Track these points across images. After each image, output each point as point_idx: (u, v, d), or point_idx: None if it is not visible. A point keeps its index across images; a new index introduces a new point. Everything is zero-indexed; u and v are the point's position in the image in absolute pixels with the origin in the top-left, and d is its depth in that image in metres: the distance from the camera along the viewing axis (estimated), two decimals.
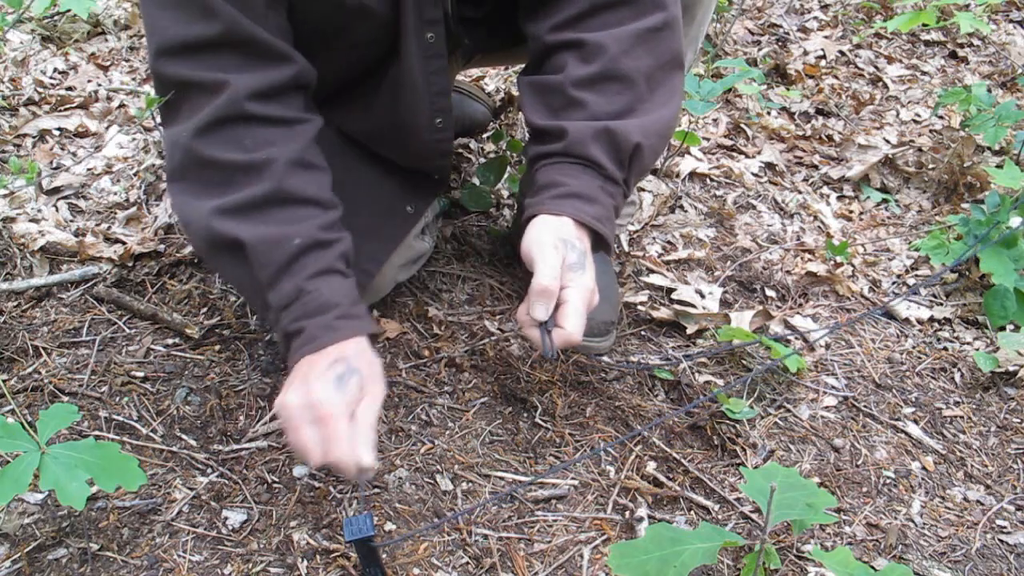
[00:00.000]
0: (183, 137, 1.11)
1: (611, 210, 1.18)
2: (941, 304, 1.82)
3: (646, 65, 1.18)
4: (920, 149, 2.27)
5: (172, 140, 1.14)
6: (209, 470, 1.28)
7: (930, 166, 2.22)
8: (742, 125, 2.35)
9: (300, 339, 1.08)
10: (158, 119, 2.02)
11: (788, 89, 2.54)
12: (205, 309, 1.56)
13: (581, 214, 1.14)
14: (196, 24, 1.07)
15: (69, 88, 2.17)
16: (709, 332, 1.62)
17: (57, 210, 1.75)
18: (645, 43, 1.17)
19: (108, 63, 2.30)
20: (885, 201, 2.15)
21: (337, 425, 0.99)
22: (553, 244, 1.10)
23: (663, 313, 1.64)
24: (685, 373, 1.52)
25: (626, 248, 1.84)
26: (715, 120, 2.36)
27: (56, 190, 1.80)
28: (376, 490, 1.27)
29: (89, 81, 2.20)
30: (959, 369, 1.65)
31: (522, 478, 1.31)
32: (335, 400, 1.00)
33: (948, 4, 2.35)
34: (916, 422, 1.51)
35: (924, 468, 1.43)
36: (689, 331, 1.61)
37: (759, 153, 2.26)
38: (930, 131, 2.37)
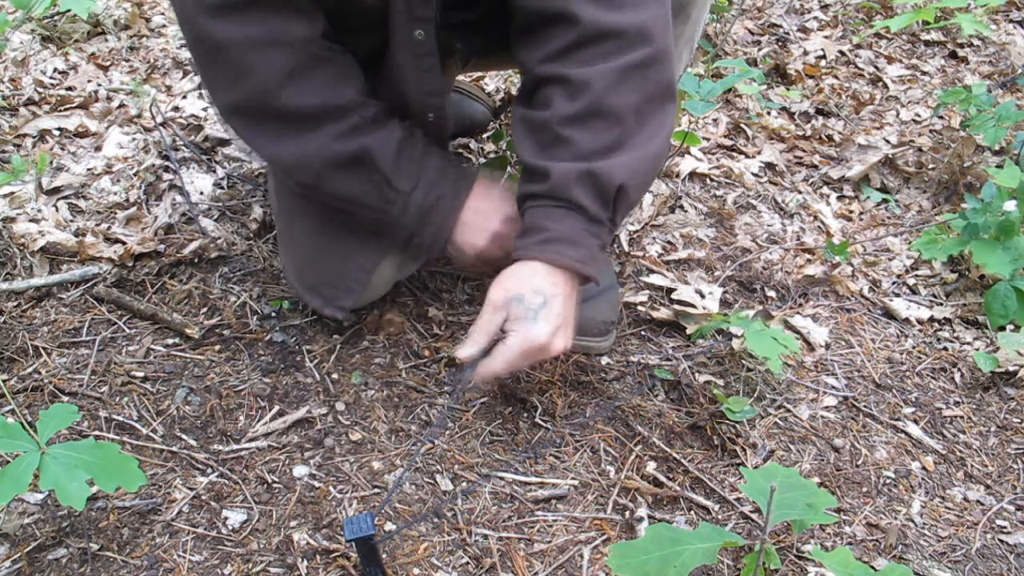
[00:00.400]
0: (257, 98, 1.19)
1: (595, 250, 1.21)
2: (941, 304, 1.82)
3: (633, 101, 1.18)
4: (920, 149, 2.27)
5: (239, 103, 1.23)
6: (209, 470, 1.28)
7: (930, 166, 2.22)
8: (742, 125, 2.35)
9: (443, 204, 1.30)
10: (159, 119, 2.03)
11: (788, 89, 2.54)
12: (205, 309, 1.56)
13: (563, 258, 1.18)
14: None
15: (69, 88, 2.17)
16: (709, 332, 1.62)
17: (57, 210, 1.75)
18: (631, 79, 1.18)
19: (108, 63, 2.30)
20: (885, 201, 2.15)
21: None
22: (494, 304, 1.19)
23: (663, 313, 1.64)
24: (685, 373, 1.52)
25: (626, 248, 1.84)
26: (715, 120, 2.36)
27: (56, 190, 1.80)
28: (376, 490, 1.27)
29: (89, 81, 2.20)
30: (959, 369, 1.65)
31: (522, 478, 1.32)
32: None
33: (949, 6, 2.34)
34: (916, 422, 1.51)
35: (924, 468, 1.43)
36: (689, 331, 1.61)
37: (759, 153, 2.26)
38: (930, 131, 2.37)
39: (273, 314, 1.55)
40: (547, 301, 1.17)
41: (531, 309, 1.17)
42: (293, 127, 1.23)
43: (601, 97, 1.16)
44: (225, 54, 1.16)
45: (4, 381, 1.36)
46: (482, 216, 1.33)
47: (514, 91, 2.27)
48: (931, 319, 1.76)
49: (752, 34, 2.83)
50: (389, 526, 1.22)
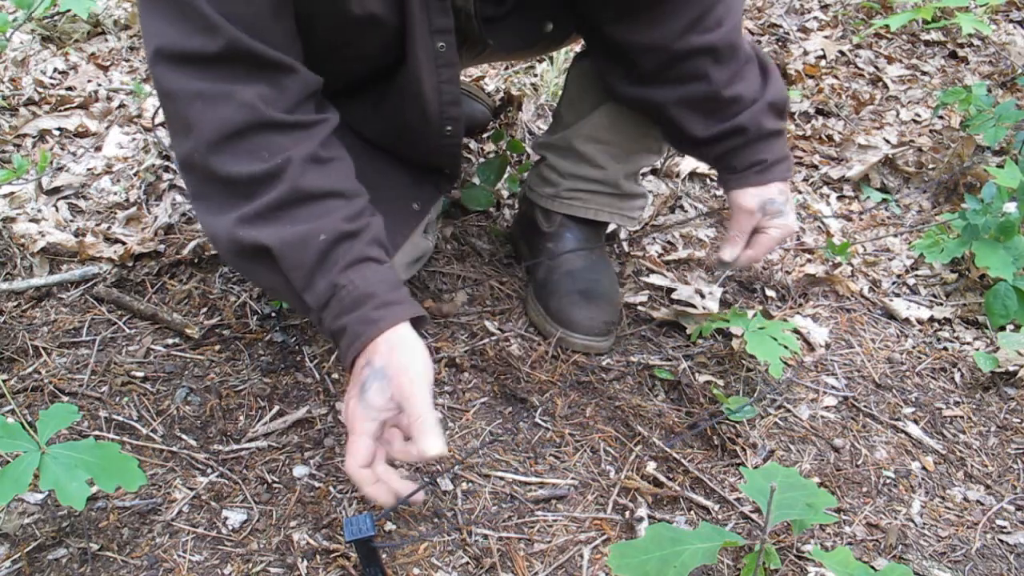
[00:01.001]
0: (197, 156, 1.07)
1: (789, 154, 1.46)
2: (941, 304, 1.82)
3: (744, 36, 1.39)
4: (920, 149, 2.27)
5: (186, 159, 1.10)
6: (209, 470, 1.28)
7: (930, 166, 2.22)
8: None
9: (345, 338, 1.07)
10: (158, 120, 2.03)
11: (788, 89, 2.54)
12: (205, 309, 1.56)
13: (782, 174, 1.43)
14: (196, 37, 1.02)
15: (69, 88, 2.17)
16: (709, 332, 1.62)
17: (57, 210, 1.75)
18: (740, 18, 1.38)
19: (108, 63, 2.30)
20: (885, 201, 2.15)
21: (354, 442, 1.04)
22: (750, 209, 1.42)
23: (663, 313, 1.63)
24: (685, 373, 1.52)
25: (626, 248, 1.84)
26: None
27: (56, 190, 1.80)
28: None
29: (89, 81, 2.20)
30: (959, 369, 1.65)
31: (522, 478, 1.32)
32: (356, 415, 1.04)
33: (949, 6, 2.34)
34: (916, 422, 1.51)
35: (924, 468, 1.43)
36: (689, 331, 1.61)
37: None
38: (930, 131, 2.37)
39: (273, 314, 1.55)
40: (788, 197, 1.44)
41: (780, 203, 1.42)
42: (219, 195, 1.09)
43: (745, 52, 1.37)
44: (174, 104, 1.06)
45: (4, 381, 1.36)
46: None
47: (514, 91, 2.27)
48: (931, 319, 1.76)
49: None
50: (389, 526, 1.22)
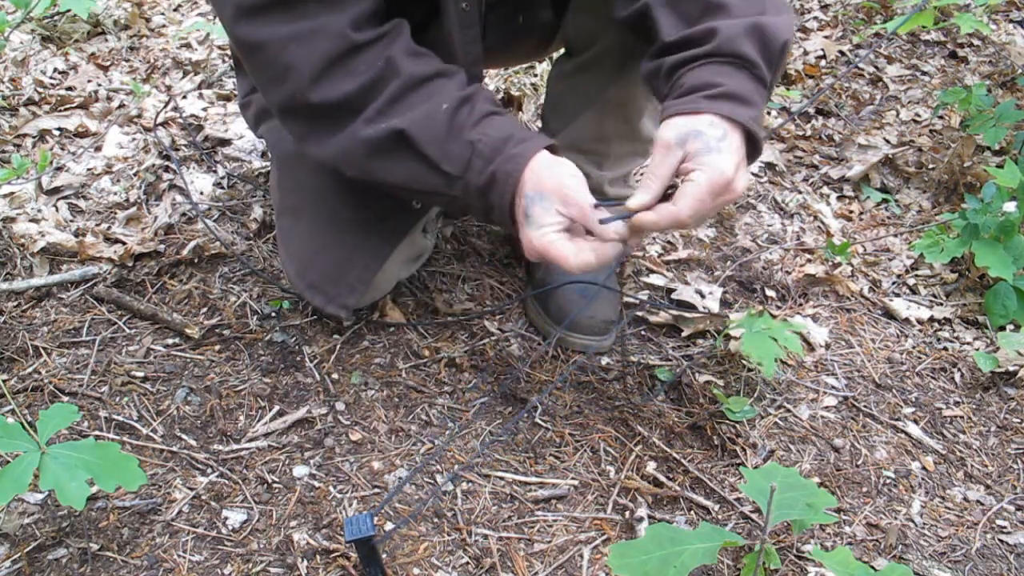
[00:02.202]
0: (299, 95, 1.13)
1: (762, 113, 1.13)
2: (941, 304, 1.82)
3: None
4: (920, 149, 2.27)
5: (286, 104, 1.17)
6: (209, 470, 1.28)
7: (930, 166, 2.22)
8: None
9: (497, 185, 1.12)
10: (160, 117, 2.03)
11: (788, 89, 2.54)
12: (205, 309, 1.56)
13: (737, 115, 1.06)
14: None
15: (69, 88, 2.17)
16: (709, 332, 1.62)
17: (57, 210, 1.75)
18: None
19: (108, 63, 2.30)
20: (885, 201, 2.15)
21: (558, 250, 1.09)
22: (667, 142, 1.06)
23: (661, 318, 1.63)
24: (685, 373, 1.52)
25: None
26: None
27: (56, 190, 1.80)
28: (376, 490, 1.27)
29: (89, 81, 2.20)
30: (959, 369, 1.65)
31: (522, 478, 1.32)
32: (535, 239, 1.10)
33: (948, 5, 2.34)
34: (916, 422, 1.51)
35: (924, 468, 1.43)
36: (685, 334, 1.61)
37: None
38: (930, 131, 2.37)
39: (273, 314, 1.55)
40: (726, 134, 1.05)
41: (712, 139, 1.04)
42: (331, 121, 1.17)
43: None
44: (265, 53, 1.14)
45: (4, 381, 1.36)
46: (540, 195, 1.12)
47: (514, 91, 2.27)
48: (931, 319, 1.76)
49: None
50: (389, 526, 1.22)
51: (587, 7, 1.43)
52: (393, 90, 1.13)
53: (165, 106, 2.08)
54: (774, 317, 1.66)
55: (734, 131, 1.06)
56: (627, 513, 1.27)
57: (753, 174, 2.16)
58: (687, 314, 1.62)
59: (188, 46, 2.43)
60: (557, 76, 1.60)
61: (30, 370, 1.40)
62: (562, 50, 1.64)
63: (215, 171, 1.91)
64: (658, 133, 1.08)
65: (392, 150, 1.15)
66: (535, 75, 2.38)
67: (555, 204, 1.09)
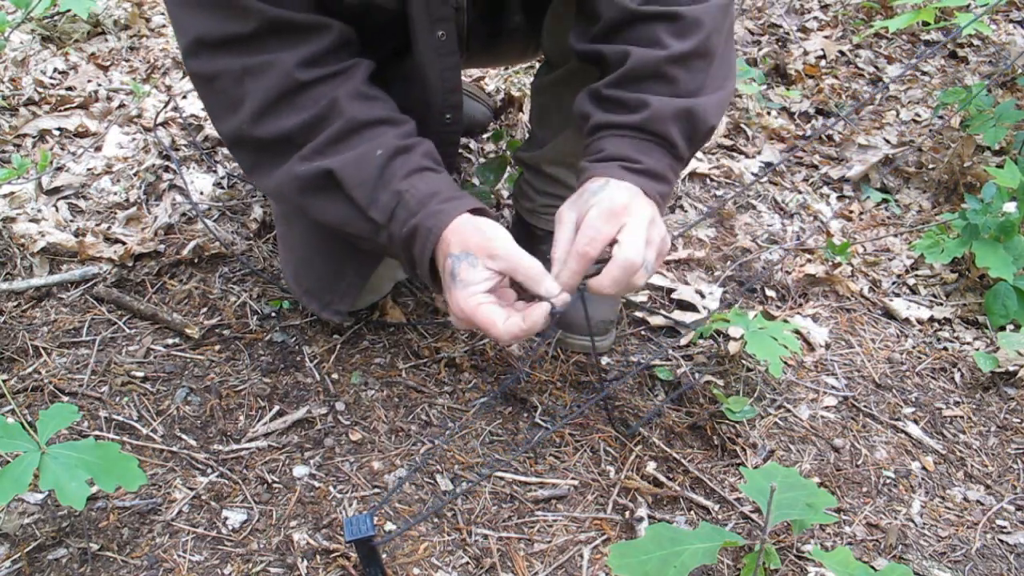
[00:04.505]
0: (246, 127, 1.13)
1: (673, 187, 1.18)
2: (941, 304, 1.82)
3: (723, 39, 1.18)
4: (920, 149, 2.27)
5: (235, 136, 1.17)
6: (209, 470, 1.28)
7: (930, 166, 2.22)
8: (742, 125, 2.35)
9: (418, 239, 1.10)
10: (160, 117, 2.03)
11: (788, 89, 2.54)
12: (205, 309, 1.56)
13: (649, 190, 1.11)
14: (230, 23, 1.09)
15: (69, 88, 2.17)
16: (709, 332, 1.62)
17: (57, 210, 1.75)
18: (726, 17, 1.18)
19: (108, 63, 2.30)
20: (885, 201, 2.15)
21: (483, 316, 1.04)
22: (611, 211, 1.06)
23: (659, 320, 1.63)
24: (685, 373, 1.52)
25: None
26: None
27: (56, 190, 1.80)
28: (376, 490, 1.28)
29: (89, 81, 2.20)
30: (959, 369, 1.65)
31: (522, 478, 1.31)
32: (462, 300, 1.04)
33: (949, 6, 2.34)
34: (916, 422, 1.51)
35: (924, 468, 1.43)
36: (684, 335, 1.61)
37: (759, 153, 2.26)
38: (930, 131, 2.37)
39: (273, 314, 1.55)
40: (658, 219, 1.09)
41: (596, 186, 1.09)
42: (272, 155, 1.17)
43: (710, 36, 1.14)
44: (220, 84, 1.14)
45: (4, 381, 1.36)
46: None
47: (514, 91, 2.27)
48: (931, 319, 1.76)
49: (752, 34, 2.83)
50: (389, 526, 1.22)
51: (558, 26, 1.42)
52: (332, 131, 1.12)
53: (165, 106, 2.08)
54: (772, 318, 1.66)
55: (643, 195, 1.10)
56: (627, 513, 1.27)
57: (753, 174, 2.16)
58: (684, 318, 1.62)
59: None
60: (538, 88, 1.59)
61: (30, 370, 1.40)
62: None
63: (215, 171, 1.91)
64: (597, 202, 1.08)
65: (322, 190, 1.14)
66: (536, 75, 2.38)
67: (482, 260, 1.05)
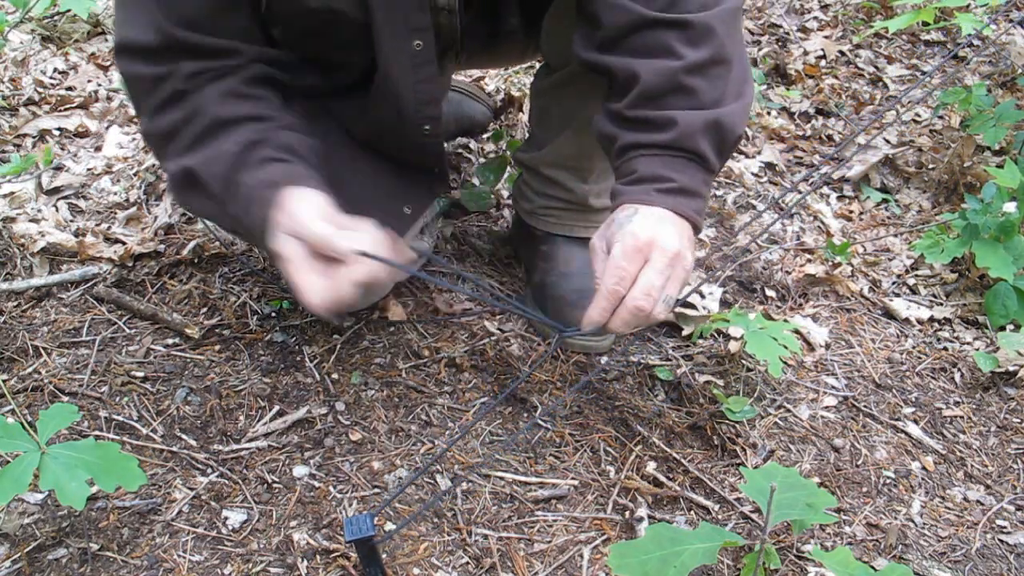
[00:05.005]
0: (143, 127, 1.22)
1: (707, 201, 1.18)
2: (941, 304, 1.82)
3: (737, 45, 1.16)
4: (920, 149, 2.27)
5: (144, 134, 1.27)
6: (209, 470, 1.28)
7: (930, 166, 2.22)
8: None
9: (267, 233, 1.06)
10: None
11: (788, 89, 2.54)
12: (205, 309, 1.56)
13: (684, 208, 1.09)
14: (141, 32, 1.13)
15: (69, 88, 2.17)
16: (709, 332, 1.62)
17: (57, 210, 1.75)
18: (736, 21, 1.16)
19: (108, 63, 2.30)
20: (885, 201, 2.15)
21: (299, 283, 1.01)
22: (634, 247, 1.05)
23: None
24: (685, 373, 1.52)
25: None
26: None
27: (56, 190, 1.80)
28: (376, 490, 1.28)
29: (89, 81, 2.20)
30: (959, 369, 1.65)
31: (522, 478, 1.32)
32: (287, 271, 1.02)
33: (949, 6, 2.35)
34: (916, 422, 1.51)
35: (924, 468, 1.43)
36: (685, 333, 1.61)
37: (759, 153, 2.26)
38: (930, 131, 2.37)
39: (273, 314, 1.55)
40: (683, 251, 1.07)
41: (624, 217, 1.08)
42: (158, 153, 1.24)
43: (724, 43, 1.13)
44: (131, 87, 1.21)
45: (4, 381, 1.36)
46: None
47: (514, 91, 2.27)
48: (931, 319, 1.76)
49: (752, 34, 2.83)
50: (389, 526, 1.22)
51: (556, 29, 1.42)
52: (195, 130, 1.13)
53: None
54: (771, 318, 1.66)
55: (683, 227, 1.09)
56: (627, 513, 1.27)
57: (753, 174, 2.16)
58: (687, 312, 1.62)
59: None
60: (538, 90, 1.58)
61: (30, 370, 1.40)
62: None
63: None
64: (623, 239, 1.06)
65: (191, 187, 1.16)
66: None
67: (292, 238, 1.03)
